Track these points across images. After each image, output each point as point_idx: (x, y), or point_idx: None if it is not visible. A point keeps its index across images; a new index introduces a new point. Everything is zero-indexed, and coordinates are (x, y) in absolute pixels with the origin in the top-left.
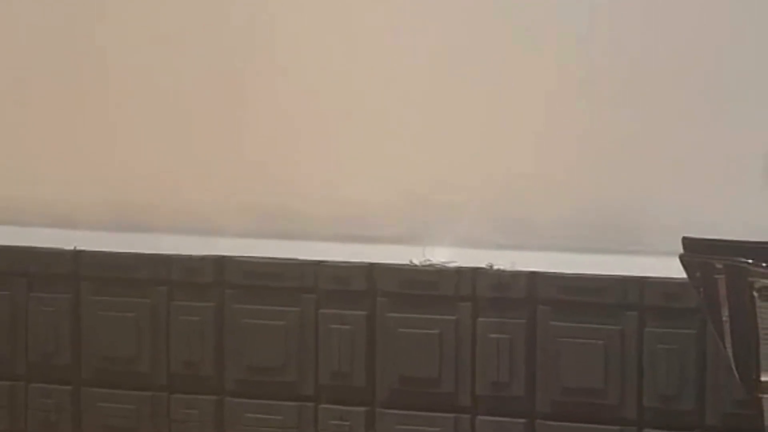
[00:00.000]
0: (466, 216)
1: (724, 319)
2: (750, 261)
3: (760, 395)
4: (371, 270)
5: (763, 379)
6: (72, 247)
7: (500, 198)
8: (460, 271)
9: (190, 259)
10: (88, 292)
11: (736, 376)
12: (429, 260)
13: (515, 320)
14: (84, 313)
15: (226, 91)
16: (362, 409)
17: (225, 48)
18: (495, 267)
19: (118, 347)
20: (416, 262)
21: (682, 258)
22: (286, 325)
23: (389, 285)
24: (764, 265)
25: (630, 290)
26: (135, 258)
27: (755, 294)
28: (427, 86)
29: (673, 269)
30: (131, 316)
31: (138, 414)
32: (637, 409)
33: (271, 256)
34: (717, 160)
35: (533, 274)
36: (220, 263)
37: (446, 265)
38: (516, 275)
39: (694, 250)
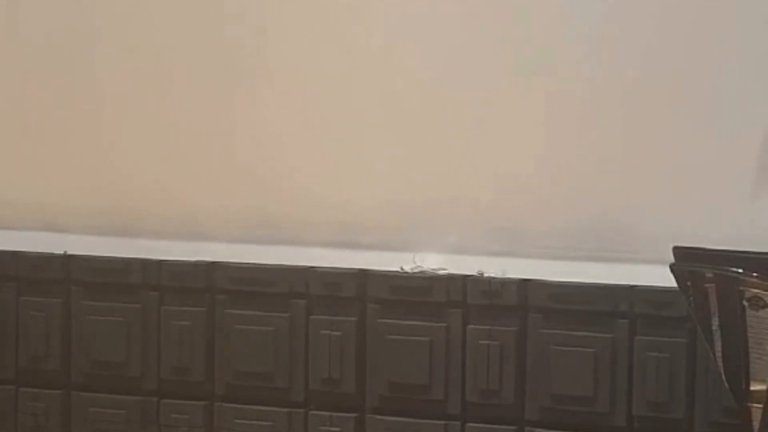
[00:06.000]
0: (457, 223)
1: (714, 328)
2: (740, 270)
3: (750, 404)
4: (362, 276)
5: (752, 388)
6: (62, 252)
7: (491, 205)
8: (450, 278)
9: (180, 264)
10: (78, 296)
11: (726, 385)
12: (420, 267)
13: (506, 327)
14: (74, 317)
15: (217, 96)
16: (352, 415)
17: (215, 54)
18: (486, 274)
19: (108, 352)
20: (407, 268)
21: (672, 267)
22: (277, 331)
23: (380, 291)
24: (755, 274)
25: (620, 298)
26: (125, 263)
27: (745, 303)
28: (418, 92)
29: (664, 278)
30: (121, 321)
31: (128, 419)
32: (626, 417)
33: (261, 261)
34: (708, 169)
35: (524, 282)
36: (211, 268)
37: (437, 272)
38: (507, 282)
39: (685, 259)
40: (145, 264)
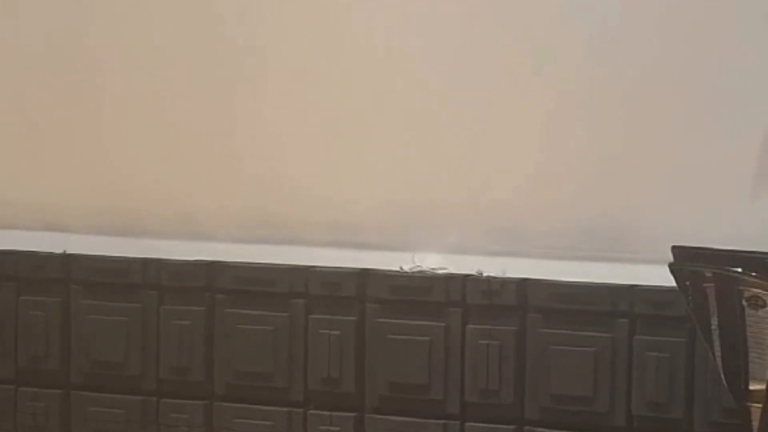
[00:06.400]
0: (457, 223)
1: (713, 327)
2: (739, 270)
3: (749, 404)
4: (361, 276)
5: (751, 387)
6: (62, 251)
7: (491, 205)
8: (450, 278)
9: (180, 263)
10: (77, 295)
11: (725, 384)
12: (419, 266)
13: (505, 327)
14: (74, 316)
15: (217, 96)
16: (351, 414)
17: (215, 54)
18: (485, 274)
19: (108, 351)
20: (406, 268)
21: (671, 267)
22: (276, 331)
23: (379, 291)
24: (754, 274)
25: (620, 298)
26: (125, 262)
27: (744, 303)
28: (418, 92)
29: (664, 278)
30: (121, 320)
31: (127, 418)
32: (626, 417)
33: (261, 261)
34: (708, 169)
35: (523, 281)
36: (211, 268)
37: (436, 271)
38: (506, 282)
39: (684, 259)
40: (145, 264)
